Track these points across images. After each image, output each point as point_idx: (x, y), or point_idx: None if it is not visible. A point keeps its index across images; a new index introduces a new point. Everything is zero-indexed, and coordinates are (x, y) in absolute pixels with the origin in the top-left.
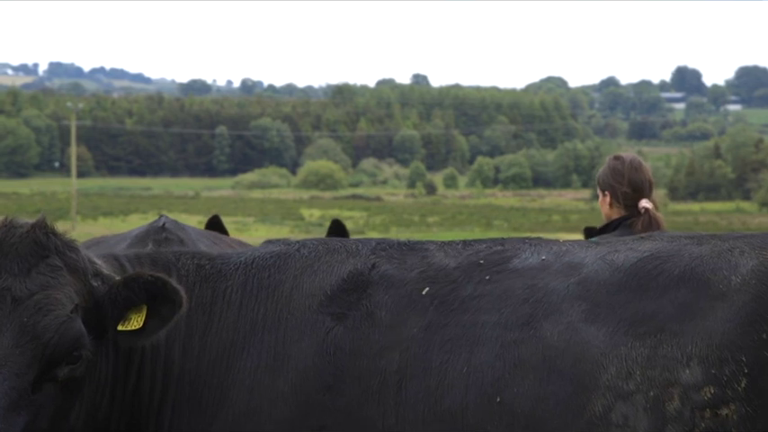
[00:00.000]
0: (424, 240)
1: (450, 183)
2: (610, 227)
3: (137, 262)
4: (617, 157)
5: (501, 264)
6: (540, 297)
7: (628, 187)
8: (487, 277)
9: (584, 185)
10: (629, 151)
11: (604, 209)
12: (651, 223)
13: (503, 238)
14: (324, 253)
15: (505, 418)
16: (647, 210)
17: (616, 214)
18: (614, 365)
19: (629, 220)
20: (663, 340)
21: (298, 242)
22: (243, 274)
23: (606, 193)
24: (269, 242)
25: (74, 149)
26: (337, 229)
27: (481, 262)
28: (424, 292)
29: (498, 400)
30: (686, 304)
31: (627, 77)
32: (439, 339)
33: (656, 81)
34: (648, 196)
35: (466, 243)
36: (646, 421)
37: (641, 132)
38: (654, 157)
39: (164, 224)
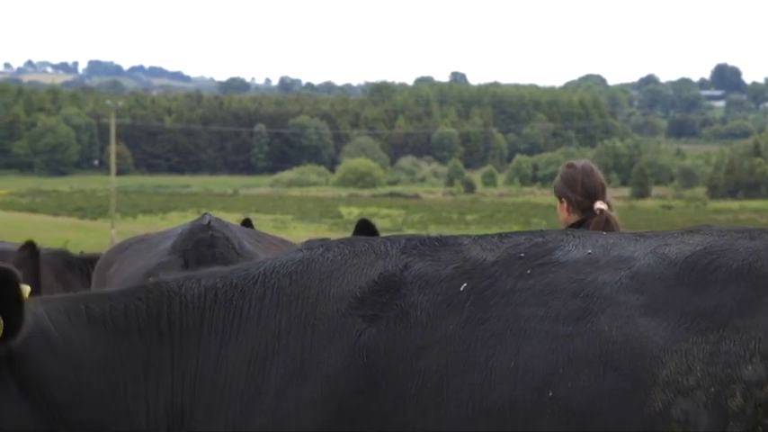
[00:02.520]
0: (457, 235)
1: (489, 181)
2: None
3: (123, 297)
4: (569, 165)
5: (543, 256)
6: (591, 291)
7: (582, 192)
8: (529, 271)
9: (623, 184)
10: (668, 149)
11: (562, 215)
12: (605, 223)
13: (542, 231)
14: (350, 255)
15: (558, 413)
16: (601, 210)
17: (574, 219)
18: (674, 361)
19: (585, 223)
20: (725, 336)
21: (322, 245)
22: (262, 285)
23: (563, 200)
24: (310, 243)
25: (113, 147)
26: (365, 228)
27: (522, 255)
28: (461, 288)
29: (551, 394)
30: (748, 300)
31: (666, 75)
32: (481, 335)
33: (695, 79)
34: (603, 198)
35: (502, 236)
36: (707, 418)
37: (680, 130)
38: (693, 155)
39: (209, 222)
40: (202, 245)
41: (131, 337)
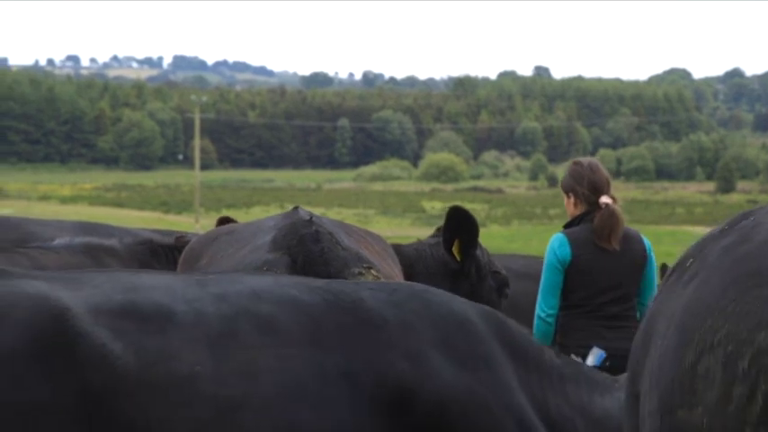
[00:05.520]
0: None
1: None
2: (574, 222)
3: None
4: (576, 162)
5: (748, 233)
6: (706, 257)
7: (588, 187)
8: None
9: (709, 178)
10: (754, 143)
11: (569, 209)
12: (611, 215)
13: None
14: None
15: (634, 372)
16: (607, 204)
17: (579, 212)
18: (712, 318)
19: (590, 215)
20: (760, 297)
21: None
22: None
23: (570, 194)
24: None
25: (197, 142)
26: (456, 217)
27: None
28: (683, 278)
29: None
30: None
31: (752, 69)
32: (659, 309)
33: None
34: (607, 193)
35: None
36: (720, 374)
37: (767, 124)
38: None
39: (311, 217)
40: (308, 241)
41: None
